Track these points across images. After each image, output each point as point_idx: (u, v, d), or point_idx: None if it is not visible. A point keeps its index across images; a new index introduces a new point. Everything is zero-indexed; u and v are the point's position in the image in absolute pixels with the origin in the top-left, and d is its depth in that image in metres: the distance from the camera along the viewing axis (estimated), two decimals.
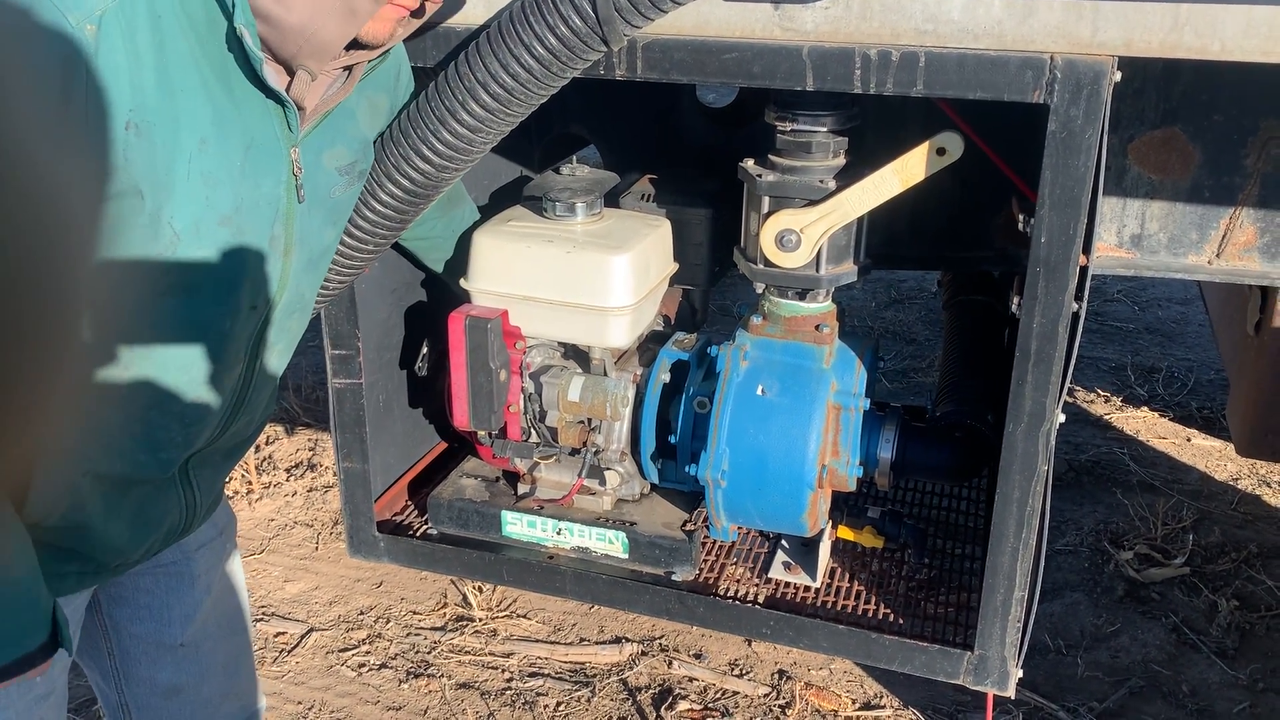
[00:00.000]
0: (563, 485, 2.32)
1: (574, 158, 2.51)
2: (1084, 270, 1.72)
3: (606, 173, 2.52)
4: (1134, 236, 2.32)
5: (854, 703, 2.98)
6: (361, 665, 3.14)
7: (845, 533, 2.28)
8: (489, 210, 2.50)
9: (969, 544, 2.39)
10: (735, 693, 3.02)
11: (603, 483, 2.27)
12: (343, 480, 2.29)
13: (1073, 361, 1.76)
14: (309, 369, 4.70)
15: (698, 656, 3.14)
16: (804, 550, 2.29)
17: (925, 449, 2.16)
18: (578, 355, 2.29)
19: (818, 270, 2.04)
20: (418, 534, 2.38)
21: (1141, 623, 3.24)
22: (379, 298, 2.29)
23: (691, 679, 3.06)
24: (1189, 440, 4.15)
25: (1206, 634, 3.19)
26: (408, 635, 3.25)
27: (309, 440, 4.25)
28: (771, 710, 2.95)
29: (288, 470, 4.05)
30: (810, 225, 1.97)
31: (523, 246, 2.14)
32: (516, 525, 2.31)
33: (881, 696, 3.00)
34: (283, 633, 3.29)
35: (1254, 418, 2.48)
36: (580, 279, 2.11)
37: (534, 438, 2.27)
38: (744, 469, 2.09)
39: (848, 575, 2.26)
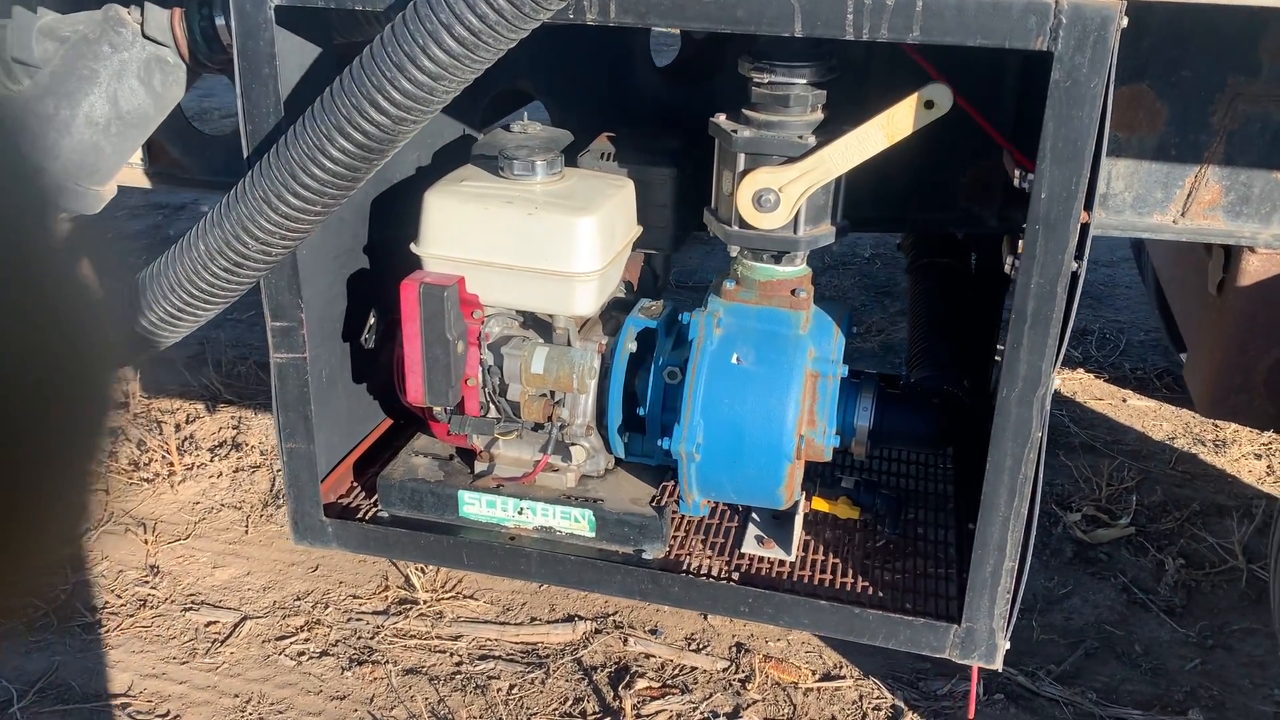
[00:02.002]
0: (522, 462, 2.19)
1: (524, 114, 2.36)
2: (1085, 228, 1.64)
3: (560, 130, 2.37)
4: (1099, 195, 2.25)
5: (814, 674, 2.91)
6: (301, 654, 2.98)
7: (820, 504, 2.19)
8: (433, 171, 2.34)
9: (939, 511, 2.31)
10: (693, 668, 2.92)
11: (567, 459, 2.14)
12: (286, 463, 2.12)
13: (1071, 323, 1.68)
14: (227, 343, 4.47)
15: (653, 632, 3.04)
16: (776, 523, 2.19)
17: (903, 416, 2.07)
18: (537, 324, 2.15)
19: (796, 232, 1.93)
20: (367, 517, 2.23)
21: (1091, 584, 3.23)
22: (320, 265, 2.12)
23: (648, 655, 2.96)
24: (1125, 401, 4.17)
25: (1155, 593, 3.18)
26: (348, 620, 3.09)
27: (232, 418, 4.03)
28: (731, 684, 2.87)
29: (211, 450, 3.83)
30: (789, 184, 1.86)
31: (479, 208, 1.99)
32: (475, 505, 2.17)
33: (841, 666, 2.93)
34: (214, 622, 3.10)
35: (1217, 378, 2.45)
36: (543, 243, 1.96)
37: (493, 413, 2.13)
38: (719, 441, 1.98)
39: (822, 548, 2.17)
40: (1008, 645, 1.90)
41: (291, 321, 2.01)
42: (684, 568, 2.10)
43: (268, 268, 1.85)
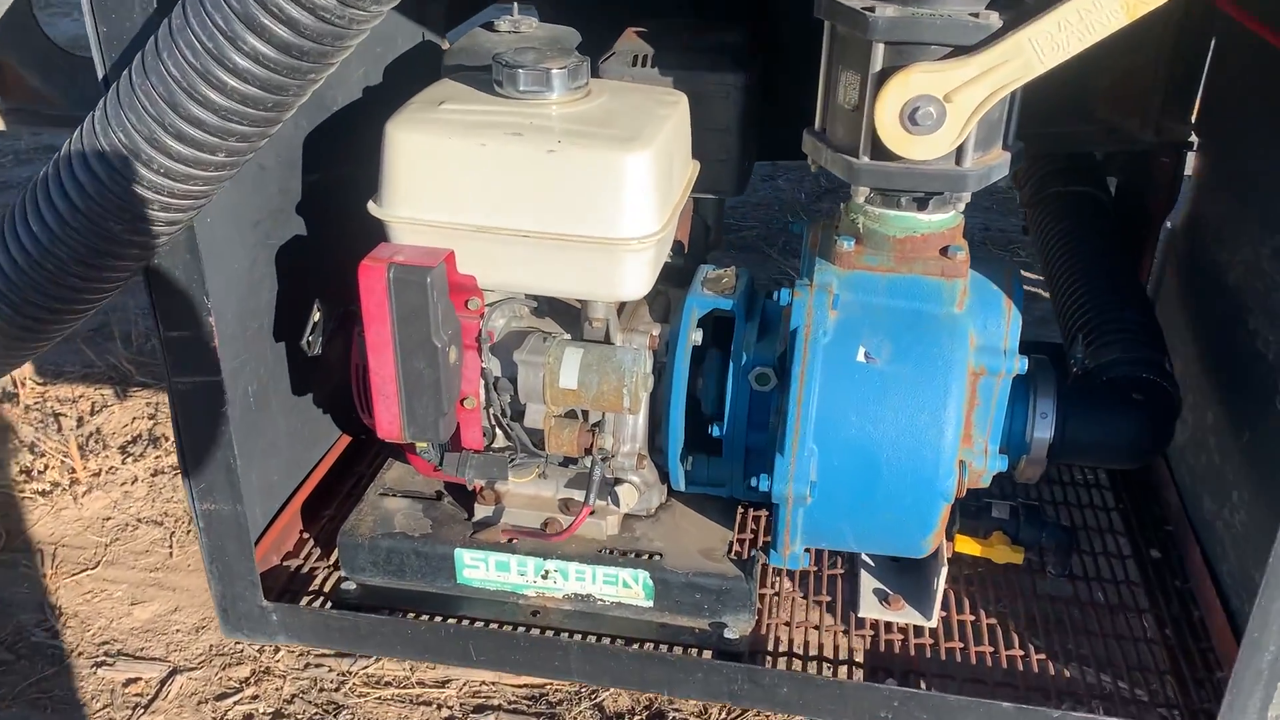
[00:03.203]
0: (542, 502, 1.52)
1: (515, 6, 1.65)
2: None
3: (563, 28, 1.66)
4: None
5: None
6: (249, 717, 2.30)
7: (967, 545, 1.55)
8: (389, 93, 1.64)
9: (1105, 534, 1.70)
10: None
11: (612, 501, 1.48)
12: (205, 530, 1.43)
13: None
14: (139, 311, 3.70)
15: None
16: (900, 571, 1.55)
17: (1098, 422, 1.43)
18: (554, 310, 1.47)
19: (961, 162, 1.26)
20: (327, 590, 1.55)
21: None
22: (234, 236, 1.41)
23: None
24: None
25: None
26: (306, 668, 2.41)
27: (147, 405, 3.29)
28: None
29: (123, 449, 3.09)
30: (962, 89, 1.18)
31: (472, 145, 1.29)
32: (479, 569, 1.51)
33: None
34: (135, 679, 2.41)
35: None
36: (575, 194, 1.27)
37: (500, 440, 1.46)
38: (843, 477, 1.33)
39: (967, 603, 1.55)
40: None
41: (194, 328, 1.30)
42: (785, 648, 1.46)
43: (145, 257, 1.14)
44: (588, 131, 1.29)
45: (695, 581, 1.46)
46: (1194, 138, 1.80)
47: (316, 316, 1.45)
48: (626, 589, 1.48)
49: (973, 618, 1.52)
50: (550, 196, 1.27)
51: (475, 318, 1.35)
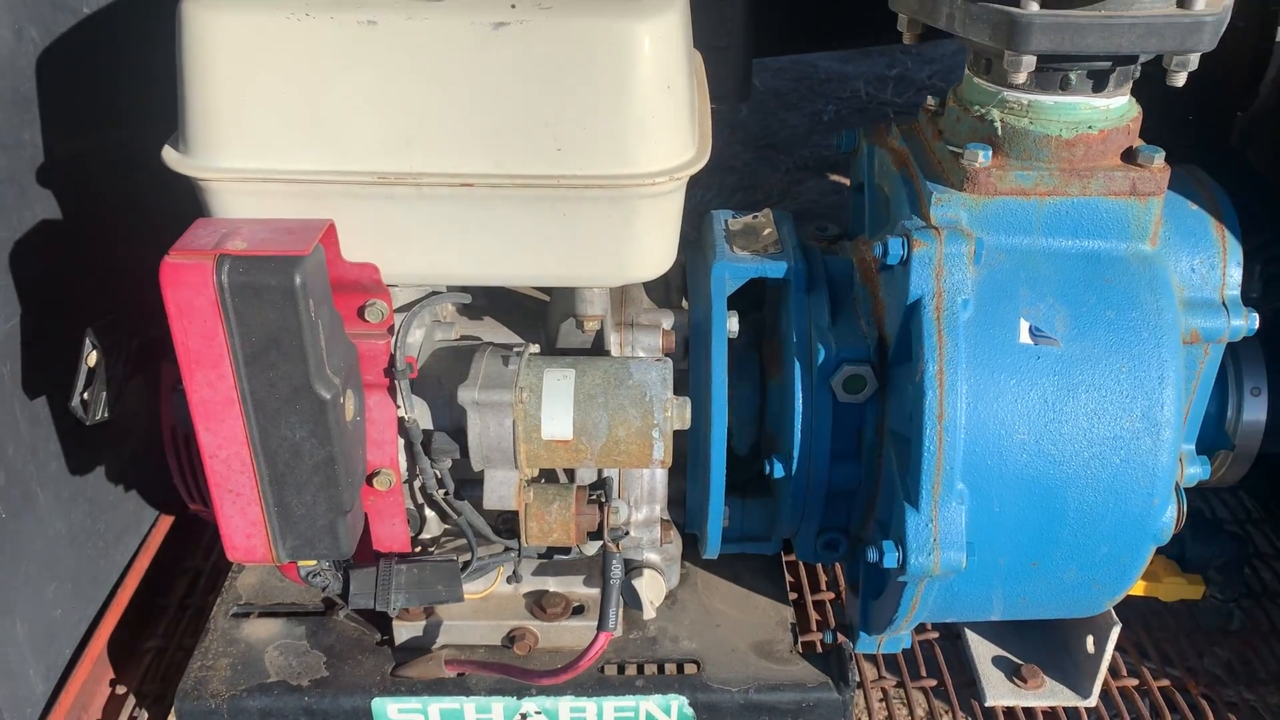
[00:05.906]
0: (499, 602, 0.95)
1: None
2: None
3: None
4: None
5: None
6: None
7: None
8: None
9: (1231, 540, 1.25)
10: None
11: (630, 602, 0.92)
12: None
13: None
14: None
15: None
16: (1022, 627, 1.06)
17: None
18: (497, 304, 0.89)
19: (1188, 3, 0.75)
20: None
21: None
22: None
23: None
24: None
25: None
26: None
27: None
28: None
29: None
30: None
31: (351, 26, 0.69)
32: None
33: None
34: None
35: None
36: (551, 100, 0.69)
37: (433, 527, 0.87)
38: (1008, 527, 0.82)
39: (1120, 664, 1.06)
40: None
41: None
42: None
43: None
44: None
45: (759, 700, 0.92)
46: None
47: (93, 359, 0.82)
48: None
49: (1135, 683, 1.04)
50: (506, 110, 0.69)
51: (382, 334, 0.76)
